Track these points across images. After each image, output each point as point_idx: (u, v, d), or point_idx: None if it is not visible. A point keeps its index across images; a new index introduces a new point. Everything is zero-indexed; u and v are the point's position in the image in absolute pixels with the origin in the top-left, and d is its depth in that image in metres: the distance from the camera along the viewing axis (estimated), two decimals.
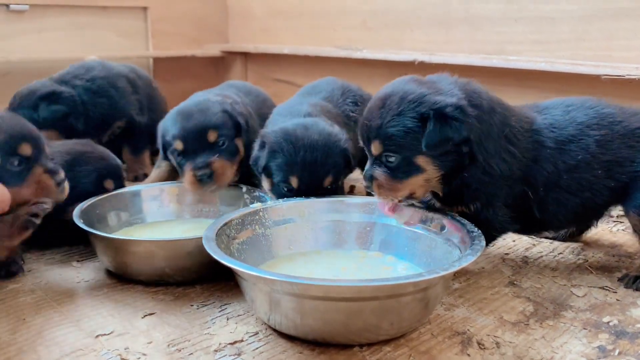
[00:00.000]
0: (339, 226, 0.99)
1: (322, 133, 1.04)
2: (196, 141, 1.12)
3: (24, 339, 0.75)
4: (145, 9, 2.37)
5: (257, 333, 0.76)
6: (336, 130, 1.07)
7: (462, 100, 0.85)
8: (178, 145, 1.13)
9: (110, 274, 0.95)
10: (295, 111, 1.17)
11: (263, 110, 1.41)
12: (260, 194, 1.12)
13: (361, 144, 0.93)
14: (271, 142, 1.04)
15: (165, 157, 1.21)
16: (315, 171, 1.01)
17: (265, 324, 0.78)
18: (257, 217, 0.95)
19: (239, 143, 1.18)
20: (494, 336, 0.76)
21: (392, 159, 0.86)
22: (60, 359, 0.70)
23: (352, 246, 0.97)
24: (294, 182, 1.01)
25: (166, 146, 1.17)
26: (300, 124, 1.06)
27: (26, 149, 0.88)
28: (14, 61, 2.01)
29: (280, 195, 1.03)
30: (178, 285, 0.90)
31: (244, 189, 1.16)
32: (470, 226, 0.85)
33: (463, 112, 0.83)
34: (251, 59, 2.49)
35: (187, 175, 1.11)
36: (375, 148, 0.87)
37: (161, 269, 0.89)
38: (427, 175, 0.87)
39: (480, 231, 0.83)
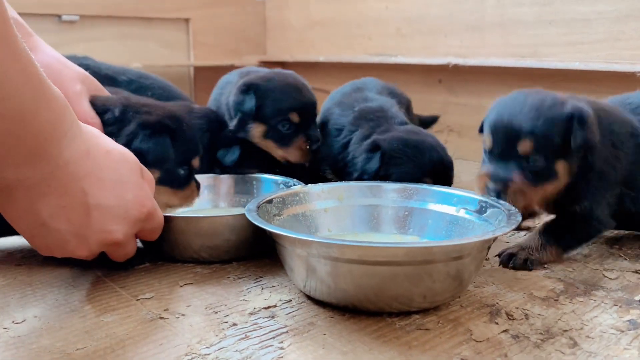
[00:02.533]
0: (377, 210, 1.01)
1: (430, 135, 1.12)
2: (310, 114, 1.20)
3: (71, 300, 0.79)
4: (187, 20, 2.47)
5: (290, 300, 0.79)
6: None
7: (589, 107, 0.88)
8: (294, 117, 1.18)
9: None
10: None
11: None
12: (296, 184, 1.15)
13: (489, 145, 0.89)
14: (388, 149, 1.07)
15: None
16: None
17: (300, 292, 0.81)
18: (297, 197, 0.98)
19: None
20: (523, 309, 0.77)
21: (539, 162, 0.86)
22: (101, 315, 0.74)
23: (389, 229, 0.99)
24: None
25: (270, 116, 1.19)
26: (410, 130, 1.14)
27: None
28: None
29: None
30: (214, 262, 0.94)
31: (280, 180, 1.18)
32: (508, 206, 0.85)
33: (592, 118, 0.87)
34: (288, 68, 2.56)
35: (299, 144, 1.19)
36: (524, 147, 0.86)
37: (192, 246, 0.92)
38: (559, 182, 0.88)
39: (516, 209, 0.84)
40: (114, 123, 0.96)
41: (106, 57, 2.34)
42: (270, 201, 0.93)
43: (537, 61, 1.60)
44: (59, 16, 2.14)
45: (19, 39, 0.60)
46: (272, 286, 0.84)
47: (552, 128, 0.86)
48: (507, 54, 1.73)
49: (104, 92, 1.08)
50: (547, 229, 0.95)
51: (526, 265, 0.91)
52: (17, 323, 0.73)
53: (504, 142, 0.88)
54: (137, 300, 0.79)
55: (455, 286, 0.75)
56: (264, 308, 0.76)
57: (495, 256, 0.95)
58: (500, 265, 0.93)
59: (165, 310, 0.76)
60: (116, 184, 0.76)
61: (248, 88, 1.19)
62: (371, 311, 0.75)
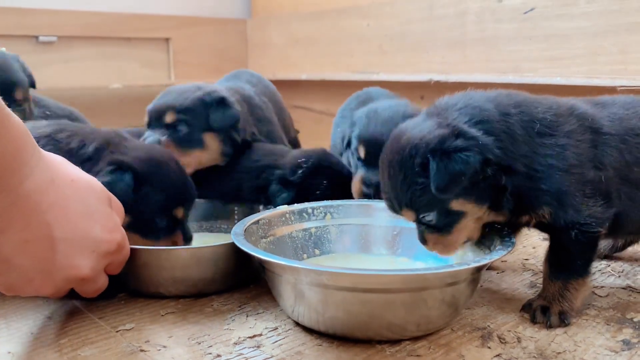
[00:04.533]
0: (366, 230, 0.99)
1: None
2: (158, 119, 1.12)
3: (47, 333, 0.76)
4: (167, 40, 2.45)
5: (276, 328, 0.76)
6: None
7: (461, 125, 0.76)
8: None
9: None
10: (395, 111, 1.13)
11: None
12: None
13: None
14: None
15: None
16: None
17: (286, 320, 0.78)
18: (283, 218, 0.96)
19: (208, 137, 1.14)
20: (515, 331, 0.75)
21: (429, 218, 0.79)
22: (79, 349, 0.71)
23: (379, 250, 0.98)
24: None
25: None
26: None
27: None
28: (42, 90, 2.08)
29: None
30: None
31: (261, 207, 1.13)
32: (504, 229, 0.83)
33: (465, 138, 0.74)
34: None
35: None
36: (408, 216, 0.81)
37: (157, 280, 0.85)
38: (471, 215, 0.78)
39: (510, 231, 0.82)
40: (87, 160, 0.88)
41: (85, 78, 2.31)
42: (256, 222, 0.90)
43: (519, 77, 1.61)
44: (37, 37, 2.11)
45: None
46: (258, 313, 0.82)
47: (414, 186, 0.78)
48: (489, 70, 1.73)
49: None
50: (548, 261, 0.81)
51: (563, 321, 0.78)
52: None
53: (374, 152, 0.96)
54: (117, 331, 0.76)
55: (450, 312, 0.73)
56: (249, 337, 0.74)
57: (521, 310, 0.82)
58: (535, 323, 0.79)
59: (146, 342, 0.73)
60: (83, 215, 0.72)
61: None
62: (362, 339, 0.72)
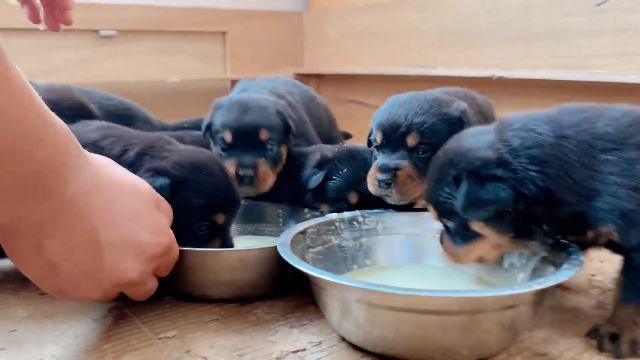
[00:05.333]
0: (419, 240, 0.94)
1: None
2: (248, 137, 1.08)
3: (90, 337, 0.76)
4: (224, 33, 2.46)
5: (320, 343, 0.73)
6: None
7: (506, 152, 0.71)
8: (227, 136, 1.08)
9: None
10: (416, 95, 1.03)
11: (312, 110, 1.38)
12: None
13: (379, 140, 0.94)
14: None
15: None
16: None
17: (331, 334, 0.75)
18: (332, 227, 0.92)
19: (284, 150, 1.14)
20: None
21: (449, 224, 0.78)
22: (119, 356, 0.70)
23: (433, 262, 0.92)
24: None
25: (212, 133, 1.13)
26: None
27: None
28: (100, 83, 2.12)
29: None
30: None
31: (305, 210, 1.09)
32: (572, 245, 0.76)
33: (506, 169, 0.70)
34: (324, 81, 2.51)
35: (230, 169, 1.04)
36: (433, 214, 0.80)
37: (204, 283, 0.84)
38: (489, 241, 0.75)
39: (577, 246, 0.75)
40: (129, 166, 0.85)
41: (143, 72, 2.35)
42: (303, 232, 0.87)
43: (588, 74, 1.51)
44: (97, 31, 2.15)
45: (14, 72, 0.56)
46: (302, 325, 0.79)
47: (442, 193, 0.76)
48: (555, 66, 1.63)
49: None
50: (620, 283, 0.74)
51: (635, 352, 0.70)
52: None
53: (391, 134, 0.93)
54: (159, 338, 0.75)
55: (508, 337, 0.68)
56: (291, 352, 0.71)
57: (586, 336, 0.75)
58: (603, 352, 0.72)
59: (187, 351, 0.71)
60: (129, 218, 0.71)
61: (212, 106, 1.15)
62: None
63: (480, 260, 0.78)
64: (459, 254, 0.78)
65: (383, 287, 0.64)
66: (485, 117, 1.09)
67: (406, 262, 0.93)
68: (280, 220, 1.10)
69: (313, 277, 0.70)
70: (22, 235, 0.65)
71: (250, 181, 1.05)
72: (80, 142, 0.88)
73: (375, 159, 0.98)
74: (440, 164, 0.77)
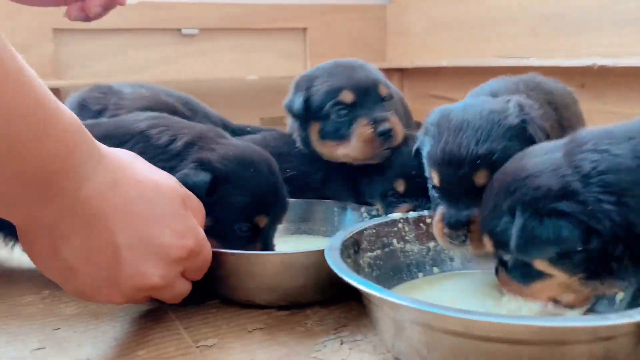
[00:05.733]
0: None
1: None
2: (369, 94, 0.96)
3: (128, 341, 0.71)
4: (304, 30, 2.41)
5: None
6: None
7: (575, 181, 0.59)
8: (347, 96, 0.96)
9: None
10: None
11: None
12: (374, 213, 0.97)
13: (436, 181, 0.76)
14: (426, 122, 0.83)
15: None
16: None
17: (387, 354, 0.66)
18: (395, 228, 0.83)
19: None
20: None
21: (506, 258, 0.66)
22: None
23: None
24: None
25: (323, 102, 0.98)
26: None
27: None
28: (181, 82, 2.15)
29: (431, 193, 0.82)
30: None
31: (362, 209, 0.99)
32: None
33: (572, 201, 0.58)
34: (407, 76, 2.40)
35: (363, 130, 0.94)
36: (487, 243, 0.68)
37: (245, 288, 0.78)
38: (558, 280, 0.62)
39: None
40: (176, 156, 0.82)
41: (224, 69, 2.35)
42: (360, 232, 0.78)
43: None
44: (180, 30, 2.18)
45: (19, 65, 0.52)
46: (355, 340, 0.69)
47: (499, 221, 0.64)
48: None
49: None
50: None
51: None
52: None
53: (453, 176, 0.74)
54: (197, 347, 0.69)
55: None
56: None
57: None
58: None
59: None
60: (149, 219, 0.65)
61: (297, 84, 1.03)
62: None
63: (556, 300, 0.64)
64: (524, 292, 0.66)
65: (439, 307, 0.53)
66: (560, 108, 0.92)
67: (480, 269, 0.82)
68: (336, 219, 1.01)
69: (362, 290, 0.61)
70: (38, 236, 0.62)
71: (390, 136, 0.94)
72: (128, 132, 0.85)
73: (434, 200, 0.81)
74: (497, 190, 0.66)
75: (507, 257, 0.66)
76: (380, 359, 0.65)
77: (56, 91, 2.11)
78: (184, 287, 0.71)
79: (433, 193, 0.80)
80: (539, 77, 0.98)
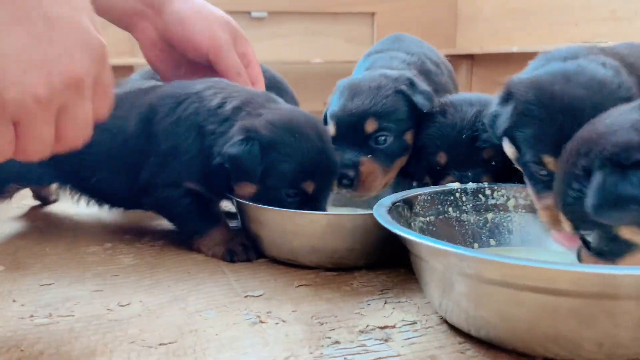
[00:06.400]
0: None
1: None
2: (351, 129, 0.92)
3: (181, 288, 0.74)
4: (372, 14, 2.39)
5: (414, 322, 0.63)
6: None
7: None
8: (331, 127, 0.94)
9: None
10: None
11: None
12: None
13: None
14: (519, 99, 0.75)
15: None
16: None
17: (430, 315, 0.65)
18: (452, 197, 0.81)
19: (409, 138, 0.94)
20: None
21: (589, 237, 0.62)
22: (202, 310, 0.67)
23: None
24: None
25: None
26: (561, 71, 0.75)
27: None
28: None
29: (532, 177, 0.76)
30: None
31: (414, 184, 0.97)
32: None
33: None
34: (477, 62, 2.33)
35: None
36: (565, 224, 0.63)
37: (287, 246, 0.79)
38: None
39: None
40: (224, 121, 0.82)
41: (291, 53, 2.38)
42: (414, 197, 0.78)
43: None
44: (249, 13, 2.22)
45: None
46: (399, 302, 0.69)
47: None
48: None
49: (245, 42, 1.01)
50: None
51: None
52: (122, 306, 0.69)
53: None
54: (245, 297, 0.70)
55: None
56: (379, 327, 0.62)
57: None
58: None
59: (268, 312, 0.66)
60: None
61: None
62: (520, 352, 0.55)
63: None
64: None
65: (478, 253, 0.52)
66: None
67: (541, 246, 0.79)
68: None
69: (408, 242, 0.60)
70: None
71: (350, 183, 0.90)
72: (186, 92, 0.88)
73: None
74: (567, 155, 0.62)
75: (588, 235, 0.61)
76: (424, 319, 0.64)
77: (130, 68, 2.21)
78: (89, 111, 0.56)
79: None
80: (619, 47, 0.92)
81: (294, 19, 2.30)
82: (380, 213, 0.67)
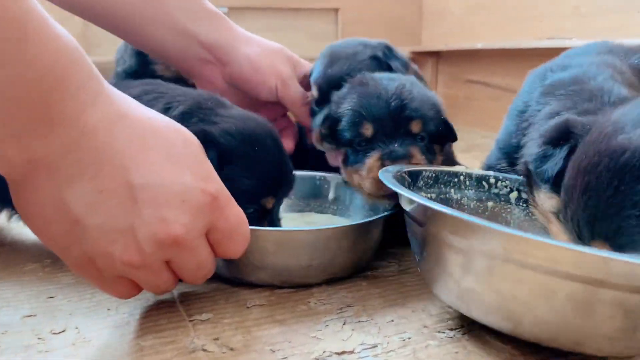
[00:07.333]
0: None
1: None
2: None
3: (121, 311, 0.67)
4: (336, 10, 2.34)
5: (375, 346, 0.58)
6: None
7: None
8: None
9: None
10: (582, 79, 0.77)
11: None
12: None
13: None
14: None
15: None
16: None
17: (392, 336, 0.60)
18: (455, 179, 0.79)
19: None
20: None
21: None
22: (143, 336, 0.60)
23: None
24: None
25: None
26: None
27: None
28: None
29: None
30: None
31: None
32: None
33: None
34: (442, 59, 2.30)
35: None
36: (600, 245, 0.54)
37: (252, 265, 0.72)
38: None
39: None
40: None
41: None
42: (419, 172, 0.75)
43: None
44: None
45: None
46: (359, 321, 0.64)
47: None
48: None
49: (302, 65, 1.03)
50: None
51: None
52: (55, 334, 0.62)
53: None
54: (190, 321, 0.64)
55: (625, 332, 0.48)
56: (335, 353, 0.57)
57: None
58: None
59: (215, 339, 0.60)
60: (167, 157, 0.55)
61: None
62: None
63: None
64: None
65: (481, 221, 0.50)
66: None
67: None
68: (348, 195, 0.94)
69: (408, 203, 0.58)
70: (38, 186, 0.52)
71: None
72: None
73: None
74: (613, 170, 0.51)
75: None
76: (385, 342, 0.59)
77: None
78: (208, 257, 0.60)
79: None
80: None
81: (255, 15, 2.24)
82: (387, 177, 0.64)
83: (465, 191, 0.79)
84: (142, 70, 1.27)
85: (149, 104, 0.75)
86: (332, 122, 0.84)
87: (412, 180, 0.74)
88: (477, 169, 0.82)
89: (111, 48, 2.14)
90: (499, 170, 0.84)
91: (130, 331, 0.62)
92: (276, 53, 1.00)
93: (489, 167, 0.87)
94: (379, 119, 0.79)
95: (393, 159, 0.76)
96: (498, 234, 0.49)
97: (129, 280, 0.59)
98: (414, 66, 1.24)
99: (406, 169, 0.73)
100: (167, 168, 0.55)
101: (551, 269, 0.46)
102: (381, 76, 0.86)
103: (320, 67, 0.97)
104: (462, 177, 0.79)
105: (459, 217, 0.51)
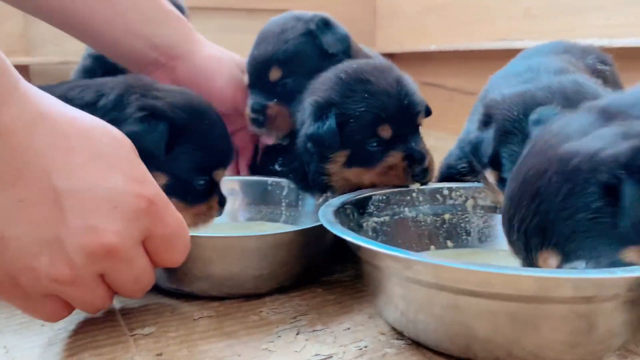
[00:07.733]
0: None
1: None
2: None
3: (56, 327, 0.62)
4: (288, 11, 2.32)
5: (330, 357, 0.55)
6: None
7: None
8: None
9: None
10: (536, 68, 0.77)
11: None
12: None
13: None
14: (502, 119, 0.69)
15: None
16: None
17: (347, 345, 0.57)
18: (408, 197, 0.77)
19: None
20: None
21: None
22: (78, 353, 0.56)
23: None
24: None
25: None
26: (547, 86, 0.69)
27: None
28: None
29: None
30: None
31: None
32: None
33: None
34: (397, 61, 2.30)
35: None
36: (548, 262, 0.51)
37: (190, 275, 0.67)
38: None
39: None
40: (111, 109, 0.69)
41: None
42: (368, 198, 0.73)
43: None
44: None
45: None
46: (313, 330, 0.61)
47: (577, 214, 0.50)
48: None
49: None
50: None
51: None
52: None
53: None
54: (132, 336, 0.60)
55: (580, 337, 0.47)
56: None
57: None
58: None
59: (157, 355, 0.56)
60: (94, 159, 0.50)
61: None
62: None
63: None
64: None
65: (411, 255, 0.48)
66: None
67: (500, 248, 0.75)
68: (300, 201, 0.90)
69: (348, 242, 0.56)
70: None
71: (261, 125, 0.90)
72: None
73: None
74: (562, 180, 0.50)
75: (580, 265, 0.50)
76: (341, 352, 0.56)
77: (25, 68, 2.01)
78: (146, 267, 0.55)
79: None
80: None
81: (207, 15, 2.19)
82: (326, 214, 0.62)
83: (420, 207, 0.77)
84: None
85: (78, 97, 0.70)
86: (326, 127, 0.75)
87: (361, 208, 0.72)
88: (430, 184, 0.78)
89: (53, 49, 2.05)
90: (460, 170, 0.83)
91: (64, 349, 0.57)
92: (234, 62, 0.96)
93: (448, 167, 0.86)
94: (397, 119, 0.74)
95: (418, 161, 0.75)
96: (427, 265, 0.48)
97: (58, 299, 0.53)
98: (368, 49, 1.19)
99: (354, 198, 0.71)
100: (95, 170, 0.50)
101: (486, 292, 0.46)
102: (368, 63, 0.80)
103: (252, 48, 0.93)
104: (414, 194, 0.77)
105: (390, 253, 0.49)
